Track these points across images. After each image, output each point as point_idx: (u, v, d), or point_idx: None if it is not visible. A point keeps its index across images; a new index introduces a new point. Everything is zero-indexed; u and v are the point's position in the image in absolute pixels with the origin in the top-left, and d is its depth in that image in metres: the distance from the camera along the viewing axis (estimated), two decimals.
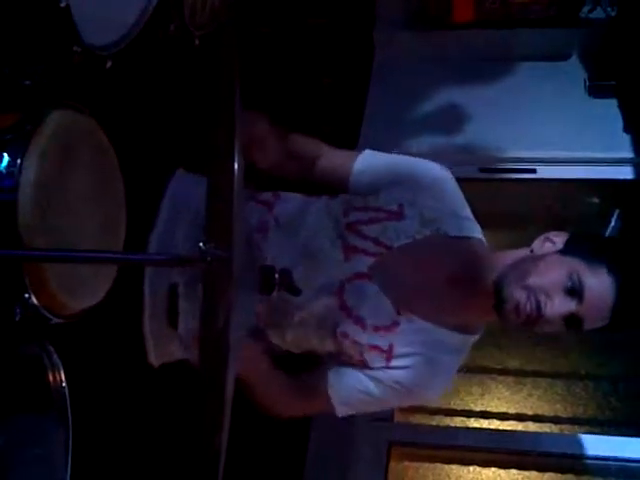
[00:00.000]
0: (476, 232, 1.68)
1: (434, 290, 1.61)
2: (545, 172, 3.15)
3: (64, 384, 1.53)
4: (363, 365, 1.63)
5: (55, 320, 1.41)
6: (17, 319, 1.36)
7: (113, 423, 1.82)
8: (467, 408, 3.02)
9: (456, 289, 1.60)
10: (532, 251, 1.58)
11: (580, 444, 2.70)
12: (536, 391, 3.03)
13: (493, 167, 3.17)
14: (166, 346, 1.75)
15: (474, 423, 2.97)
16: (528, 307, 1.47)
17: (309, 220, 1.70)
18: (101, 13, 1.53)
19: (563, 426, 2.99)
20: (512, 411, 3.03)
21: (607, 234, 3.20)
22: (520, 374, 3.06)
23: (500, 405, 3.06)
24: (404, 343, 1.60)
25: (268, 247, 1.67)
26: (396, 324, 1.60)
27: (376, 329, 1.60)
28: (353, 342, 1.61)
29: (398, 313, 1.60)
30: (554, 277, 1.48)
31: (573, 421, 3.02)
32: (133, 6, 1.64)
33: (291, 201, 1.77)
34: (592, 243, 1.57)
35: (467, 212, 1.69)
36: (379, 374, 1.62)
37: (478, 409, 3.04)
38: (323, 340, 1.66)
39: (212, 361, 1.14)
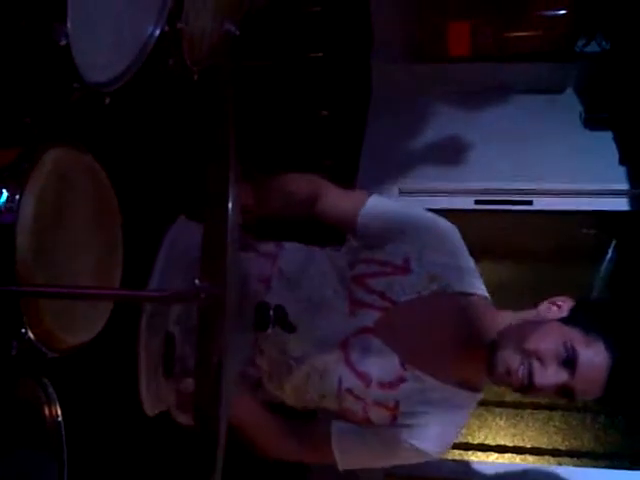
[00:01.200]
0: (480, 289, 1.67)
1: (439, 346, 1.60)
2: (541, 204, 3.16)
3: (60, 418, 1.53)
4: (367, 424, 1.61)
5: (51, 354, 1.41)
6: (13, 353, 1.36)
7: (108, 458, 1.81)
8: (464, 441, 3.00)
9: (460, 346, 1.60)
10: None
11: (578, 477, 2.69)
12: (534, 424, 3.02)
13: (489, 199, 3.18)
14: (161, 398, 1.74)
15: (471, 456, 2.95)
16: (520, 373, 1.46)
17: (313, 271, 1.70)
18: (100, 50, 1.55)
19: (561, 459, 2.98)
20: (510, 444, 3.02)
21: (604, 265, 3.20)
22: (518, 406, 3.05)
23: (498, 438, 3.04)
24: (410, 401, 1.59)
25: (271, 298, 1.64)
26: (402, 380, 1.59)
27: (381, 385, 1.59)
28: (357, 398, 1.60)
29: (404, 368, 1.59)
30: (551, 345, 1.46)
31: (571, 454, 3.00)
32: (132, 42, 1.66)
33: (295, 252, 1.76)
34: (594, 314, 1.53)
35: (472, 267, 1.69)
36: (384, 432, 1.60)
37: (476, 442, 3.03)
38: (325, 396, 1.64)
39: (207, 398, 1.14)
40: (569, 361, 1.44)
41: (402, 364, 1.59)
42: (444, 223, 1.71)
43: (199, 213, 1.74)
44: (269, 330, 1.34)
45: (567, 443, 3.01)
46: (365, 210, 1.71)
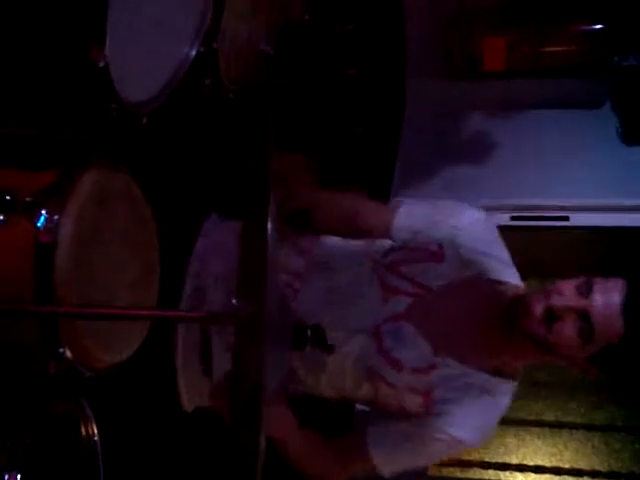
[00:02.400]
0: (514, 277, 1.67)
1: (471, 333, 1.60)
2: (579, 219, 3.12)
3: (96, 437, 1.54)
4: (401, 413, 1.61)
5: (89, 374, 1.42)
6: (51, 372, 1.37)
7: (144, 477, 1.81)
8: (501, 461, 2.96)
9: (493, 332, 1.59)
10: None
11: None
12: (572, 443, 2.97)
13: (525, 215, 3.15)
14: (199, 391, 1.75)
15: (509, 476, 2.91)
16: (539, 305, 1.47)
17: (347, 261, 1.72)
18: (138, 70, 1.56)
19: None
20: (548, 464, 2.97)
21: None
22: (556, 426, 3.01)
23: (536, 458, 3.00)
24: (442, 387, 1.58)
25: (306, 288, 1.68)
26: (433, 367, 1.59)
27: (413, 371, 1.59)
28: (390, 385, 1.60)
29: (435, 355, 1.59)
30: (570, 281, 1.49)
31: (610, 475, 2.95)
32: (169, 63, 1.68)
33: (329, 243, 1.78)
34: None
35: (506, 256, 1.68)
36: (420, 423, 1.59)
37: (514, 462, 2.99)
38: (359, 384, 1.64)
39: (243, 418, 1.13)
40: (587, 284, 1.46)
41: (434, 350, 1.59)
42: (477, 212, 1.71)
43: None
44: (307, 349, 1.34)
45: (606, 464, 2.96)
46: (398, 219, 1.72)
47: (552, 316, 1.47)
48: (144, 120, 1.57)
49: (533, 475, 2.94)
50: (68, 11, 1.43)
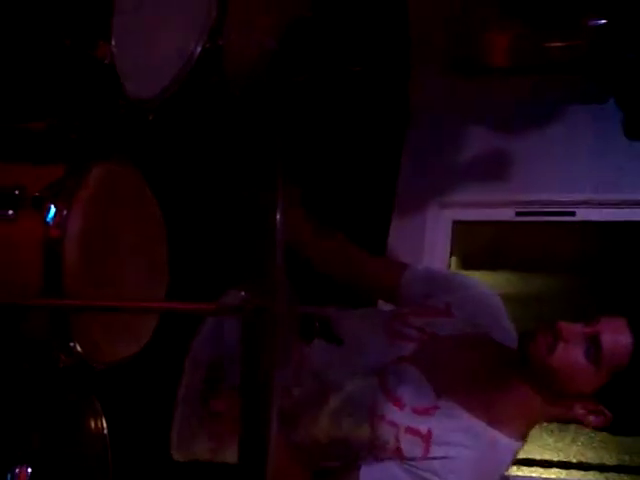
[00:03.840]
0: None
1: (477, 383, 1.59)
2: (584, 214, 3.12)
3: (105, 431, 1.55)
4: (398, 456, 1.56)
5: (98, 367, 1.43)
6: (61, 366, 1.38)
7: (153, 469, 1.81)
8: None
9: (497, 386, 1.58)
10: None
11: None
12: (580, 438, 2.96)
13: (530, 210, 3.15)
14: (193, 444, 1.73)
15: (516, 471, 2.90)
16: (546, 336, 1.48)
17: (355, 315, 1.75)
18: (143, 67, 1.57)
19: (608, 474, 2.92)
20: (556, 458, 2.97)
21: None
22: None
23: (543, 452, 2.99)
24: (444, 430, 1.55)
25: None
26: (436, 407, 1.57)
27: (415, 410, 1.57)
28: (390, 424, 1.57)
29: (438, 398, 1.58)
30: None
31: (618, 469, 2.94)
32: (174, 59, 1.69)
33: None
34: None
35: (513, 330, 1.69)
36: (416, 465, 1.54)
37: (520, 457, 2.98)
38: (358, 424, 1.62)
39: (253, 419, 1.13)
40: (593, 319, 1.47)
41: (437, 393, 1.58)
42: (485, 287, 1.76)
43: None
44: (314, 341, 1.34)
45: (614, 458, 2.95)
46: (405, 280, 1.77)
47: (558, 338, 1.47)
48: (150, 116, 1.58)
49: (540, 469, 2.92)
50: (75, 8, 1.44)
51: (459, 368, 1.61)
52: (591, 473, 2.93)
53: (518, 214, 3.14)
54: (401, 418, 1.57)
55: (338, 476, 1.64)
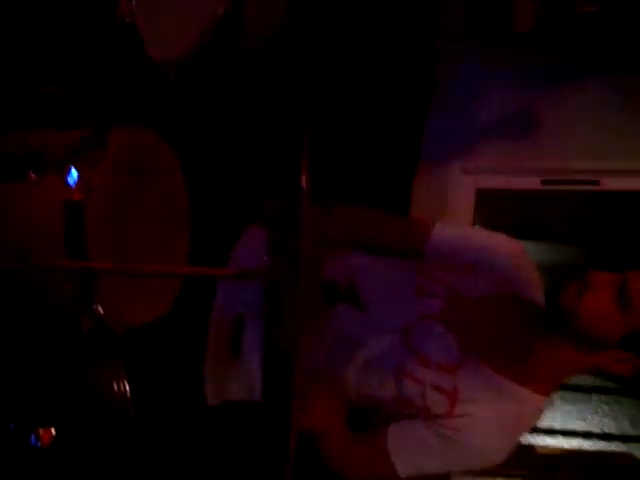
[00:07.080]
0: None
1: (503, 341, 1.59)
2: (608, 183, 3.08)
3: (128, 394, 1.55)
4: (425, 414, 1.59)
5: (120, 331, 1.43)
6: (84, 329, 1.38)
7: (174, 436, 1.82)
8: None
9: (523, 341, 1.58)
10: None
11: None
12: (603, 408, 2.95)
13: (555, 178, 3.11)
14: (225, 385, 1.75)
15: (539, 440, 2.90)
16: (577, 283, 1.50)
17: (383, 264, 1.73)
18: (165, 28, 1.55)
19: (631, 444, 2.91)
20: (578, 428, 2.96)
21: None
22: (586, 390, 2.99)
23: (566, 422, 2.98)
24: (469, 387, 1.56)
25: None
26: (460, 365, 1.58)
27: (439, 367, 1.58)
28: (415, 381, 1.59)
29: (463, 355, 1.58)
30: None
31: None
32: (196, 21, 1.66)
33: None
34: None
35: (541, 287, 1.69)
36: (441, 423, 1.57)
37: (542, 426, 2.97)
38: (384, 381, 1.62)
39: (277, 389, 1.12)
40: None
41: (462, 350, 1.59)
42: (512, 245, 1.74)
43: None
44: (338, 306, 1.33)
45: (637, 428, 2.94)
46: (432, 239, 1.74)
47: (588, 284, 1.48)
48: (172, 78, 1.56)
49: (562, 439, 2.92)
50: None
51: (484, 326, 1.61)
52: (614, 443, 2.92)
53: (543, 183, 3.10)
54: (426, 375, 1.58)
55: (369, 433, 1.66)
